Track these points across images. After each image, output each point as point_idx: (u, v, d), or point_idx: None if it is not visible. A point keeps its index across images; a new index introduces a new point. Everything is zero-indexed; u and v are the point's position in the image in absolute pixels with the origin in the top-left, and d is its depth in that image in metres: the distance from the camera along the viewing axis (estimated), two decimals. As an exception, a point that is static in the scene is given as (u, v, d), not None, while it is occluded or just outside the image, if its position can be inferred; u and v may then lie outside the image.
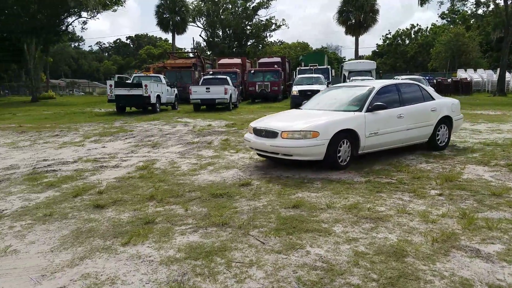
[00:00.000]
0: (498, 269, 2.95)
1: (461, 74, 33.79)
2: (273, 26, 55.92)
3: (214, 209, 4.40)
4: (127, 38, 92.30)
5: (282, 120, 6.59)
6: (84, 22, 37.23)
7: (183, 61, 28.36)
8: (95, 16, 33.99)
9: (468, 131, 10.21)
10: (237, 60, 30.25)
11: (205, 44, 60.13)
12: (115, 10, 35.05)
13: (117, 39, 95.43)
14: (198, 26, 54.08)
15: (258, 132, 6.29)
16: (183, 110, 19.17)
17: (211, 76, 21.04)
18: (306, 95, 18.36)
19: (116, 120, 14.94)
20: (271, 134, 6.00)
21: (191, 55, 33.95)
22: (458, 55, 43.49)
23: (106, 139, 9.93)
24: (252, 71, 26.39)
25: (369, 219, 4.00)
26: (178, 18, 45.56)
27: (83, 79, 64.92)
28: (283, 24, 56.98)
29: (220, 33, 55.81)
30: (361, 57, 53.74)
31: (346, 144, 5.97)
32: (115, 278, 2.94)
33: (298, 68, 27.73)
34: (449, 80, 29.54)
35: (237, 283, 2.83)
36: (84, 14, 34.10)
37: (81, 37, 66.53)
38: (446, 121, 7.39)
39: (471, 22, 48.15)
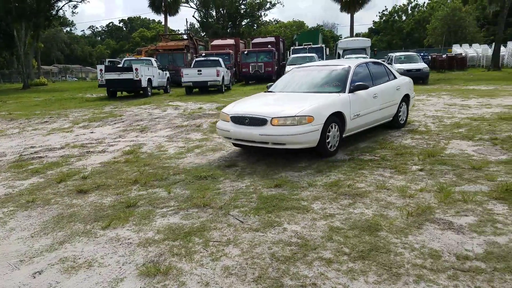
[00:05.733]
0: (467, 240, 3.01)
1: (456, 49, 33.44)
2: (268, 5, 55.15)
3: (197, 191, 4.44)
4: (120, 21, 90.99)
5: (264, 104, 5.89)
6: (75, 6, 37.37)
7: (175, 43, 27.99)
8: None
9: (457, 106, 10.21)
10: (231, 41, 29.86)
11: (198, 25, 59.33)
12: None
13: (109, 23, 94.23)
14: (191, 7, 53.36)
15: (239, 120, 5.60)
16: (175, 94, 19.04)
17: (203, 58, 20.82)
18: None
19: (107, 105, 14.85)
20: (258, 121, 5.35)
21: (184, 37, 33.47)
22: (454, 30, 42.94)
23: (95, 124, 9.90)
24: (245, 52, 26.02)
25: (348, 196, 4.05)
26: (170, -2, 44.68)
27: (76, 65, 64.22)
28: (278, 2, 56.43)
29: (214, 13, 54.97)
30: (357, 35, 53.03)
31: (335, 128, 5.56)
32: (92, 261, 2.99)
33: (292, 48, 27.45)
34: (444, 56, 29.20)
35: (212, 261, 2.89)
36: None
37: (72, 21, 65.37)
38: (406, 99, 7.55)
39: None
